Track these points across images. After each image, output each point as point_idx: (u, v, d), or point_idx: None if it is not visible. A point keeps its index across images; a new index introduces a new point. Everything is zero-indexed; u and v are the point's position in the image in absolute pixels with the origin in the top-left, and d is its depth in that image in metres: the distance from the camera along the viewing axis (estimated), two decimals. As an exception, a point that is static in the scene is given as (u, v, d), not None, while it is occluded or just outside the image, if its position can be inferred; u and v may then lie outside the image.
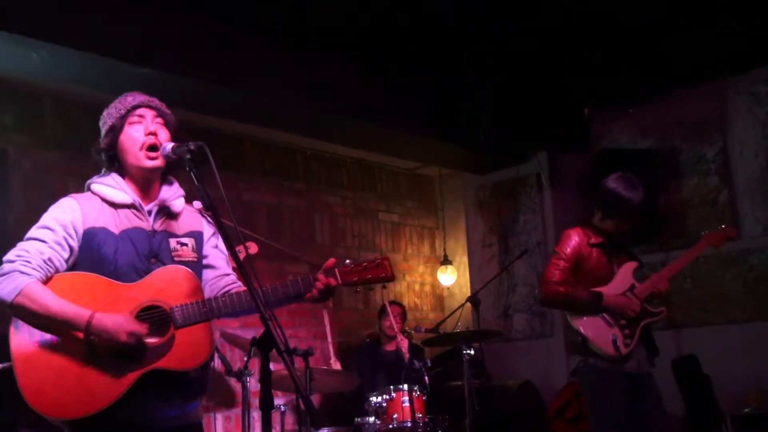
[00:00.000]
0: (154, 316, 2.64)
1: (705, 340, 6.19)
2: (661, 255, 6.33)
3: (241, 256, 2.54)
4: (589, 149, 7.20)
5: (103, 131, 2.82)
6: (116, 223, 2.75)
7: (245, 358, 5.09)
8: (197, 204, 2.65)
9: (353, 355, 6.72)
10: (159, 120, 2.82)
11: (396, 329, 6.39)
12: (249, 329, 5.76)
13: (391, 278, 2.88)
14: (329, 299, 2.84)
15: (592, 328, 4.27)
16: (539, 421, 6.35)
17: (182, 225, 2.88)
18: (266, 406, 2.41)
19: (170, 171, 2.89)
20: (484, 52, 6.12)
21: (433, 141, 6.74)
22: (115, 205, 2.78)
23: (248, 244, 4.47)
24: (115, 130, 2.77)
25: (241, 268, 2.45)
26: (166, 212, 2.85)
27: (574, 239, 4.38)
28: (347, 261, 2.86)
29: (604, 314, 4.28)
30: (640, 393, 4.28)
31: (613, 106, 7.10)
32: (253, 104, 5.67)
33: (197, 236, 2.89)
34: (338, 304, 7.12)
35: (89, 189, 2.85)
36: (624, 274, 4.40)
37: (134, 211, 2.79)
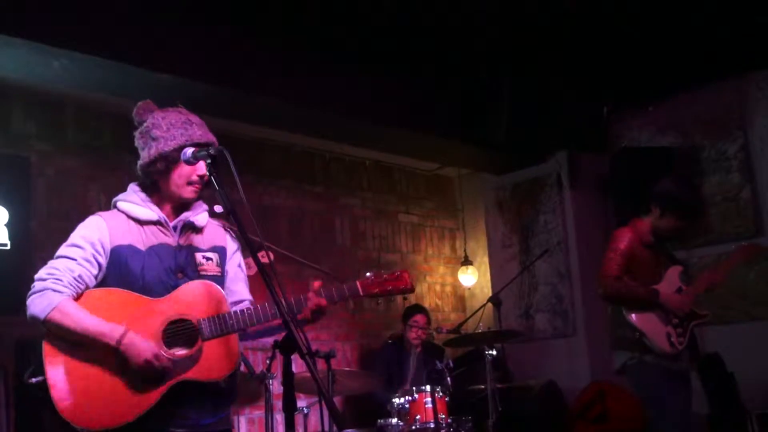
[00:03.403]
0: (182, 329, 2.72)
1: (729, 339, 6.14)
2: (683, 253, 6.28)
3: (264, 260, 2.57)
4: (608, 148, 7.17)
5: (151, 151, 2.82)
6: (143, 239, 2.82)
7: (267, 361, 5.12)
8: (218, 208, 2.67)
9: (376, 356, 6.72)
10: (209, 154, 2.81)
11: (422, 338, 6.44)
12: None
13: (411, 290, 2.99)
14: (320, 319, 2.90)
15: (648, 324, 4.35)
16: (562, 422, 6.32)
17: (206, 239, 2.94)
18: (289, 408, 2.43)
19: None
20: (502, 52, 6.10)
21: (452, 142, 6.73)
22: (141, 222, 2.85)
23: (268, 253, 4.48)
24: (168, 159, 2.80)
25: (263, 272, 2.48)
26: (191, 227, 2.91)
27: (627, 237, 4.47)
28: (368, 274, 2.97)
29: (658, 311, 4.34)
30: (688, 391, 4.41)
31: (632, 104, 7.07)
32: (273, 109, 5.68)
33: (221, 251, 2.96)
34: (360, 306, 7.11)
35: (115, 206, 2.91)
36: (671, 277, 4.51)
37: (160, 227, 2.86)
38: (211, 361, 2.73)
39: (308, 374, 2.44)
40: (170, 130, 2.82)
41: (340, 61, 5.81)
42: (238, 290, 3.00)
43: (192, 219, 2.90)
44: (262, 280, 2.51)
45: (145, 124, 2.89)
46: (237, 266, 3.02)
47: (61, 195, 5.48)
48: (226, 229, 3.02)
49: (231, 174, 2.55)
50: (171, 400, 2.66)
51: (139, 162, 2.88)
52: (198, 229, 2.93)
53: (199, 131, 2.85)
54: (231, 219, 2.61)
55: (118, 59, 4.67)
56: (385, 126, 6.24)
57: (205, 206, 2.97)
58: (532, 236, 7.36)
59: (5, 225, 5.12)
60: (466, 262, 7.87)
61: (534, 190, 7.40)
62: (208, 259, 2.90)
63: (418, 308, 6.73)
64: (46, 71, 4.69)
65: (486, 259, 7.86)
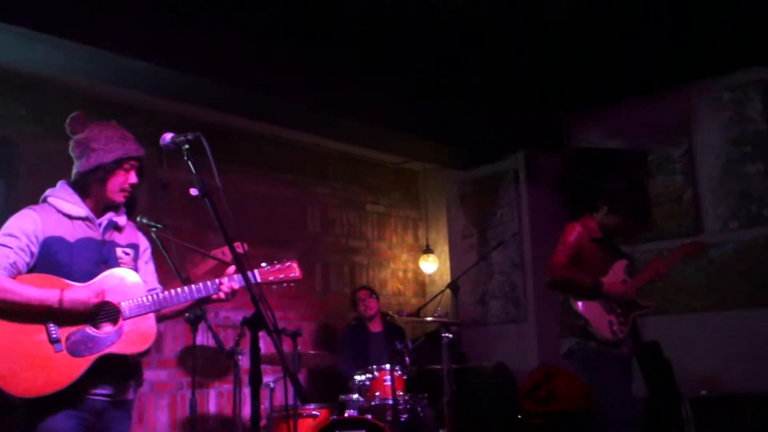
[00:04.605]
0: (106, 310, 2.97)
1: (667, 328, 6.24)
2: (629, 248, 6.36)
3: (239, 251, 2.72)
4: (563, 148, 7.25)
5: (90, 161, 3.07)
6: (71, 232, 3.05)
7: (237, 338, 5.11)
8: (194, 191, 2.69)
9: (341, 336, 6.74)
10: (138, 165, 3.16)
11: (372, 308, 6.49)
12: (241, 311, 5.78)
13: (299, 278, 3.27)
14: (231, 299, 3.19)
15: (592, 312, 4.41)
16: (511, 401, 6.38)
17: (125, 237, 3.22)
18: (255, 382, 2.45)
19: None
20: (467, 54, 6.12)
21: (417, 138, 6.76)
22: (70, 217, 3.08)
23: (243, 244, 4.54)
24: (106, 170, 3.07)
25: (235, 254, 2.55)
26: (114, 226, 3.17)
27: (576, 231, 4.54)
28: (263, 264, 3.24)
29: (601, 301, 4.39)
30: (628, 375, 4.51)
31: (587, 108, 7.15)
32: (246, 99, 5.64)
33: (136, 248, 3.25)
34: (325, 289, 7.14)
35: (45, 201, 3.15)
36: (617, 269, 4.57)
37: (87, 222, 3.10)
38: (131, 338, 2.98)
39: (276, 351, 2.46)
40: (108, 143, 3.08)
41: (310, 54, 5.79)
42: (150, 280, 3.28)
43: (115, 219, 3.17)
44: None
45: (81, 135, 3.14)
46: (145, 262, 3.30)
47: (45, 178, 5.31)
48: (139, 230, 3.34)
49: (207, 160, 2.62)
50: (94, 370, 2.89)
51: (77, 169, 3.12)
52: (119, 228, 3.19)
53: (134, 146, 3.13)
54: (206, 201, 2.64)
55: (96, 45, 4.60)
56: (353, 120, 6.23)
57: (124, 209, 3.22)
58: (490, 228, 7.42)
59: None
60: (428, 250, 7.92)
61: (493, 186, 7.46)
62: (126, 253, 3.16)
63: (360, 287, 6.86)
64: (31, 55, 4.65)
65: (446, 248, 7.92)
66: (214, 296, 3.14)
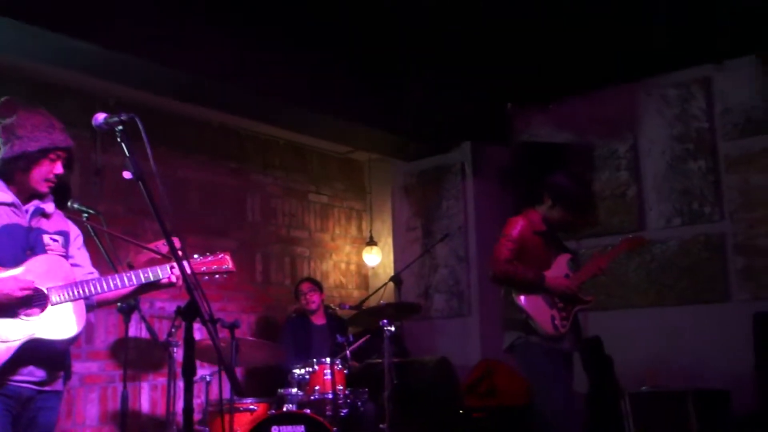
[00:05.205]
0: (34, 295, 2.92)
1: (609, 323, 6.34)
2: (573, 243, 6.45)
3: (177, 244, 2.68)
4: (510, 141, 7.29)
5: (15, 148, 3.00)
6: None
7: (173, 329, 5.02)
8: (127, 174, 2.61)
9: (281, 329, 6.67)
10: (65, 155, 3.11)
11: (315, 302, 6.46)
12: (176, 302, 5.67)
13: (232, 270, 3.30)
14: (179, 286, 3.13)
15: (534, 306, 4.42)
16: (453, 396, 6.42)
17: (53, 224, 3.17)
18: (189, 373, 2.38)
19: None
20: (415, 45, 6.12)
21: (362, 128, 6.72)
22: None
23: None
24: (30, 159, 3.01)
25: (172, 247, 2.58)
26: (41, 213, 3.12)
27: (520, 224, 4.54)
28: (195, 255, 3.28)
29: (544, 295, 4.41)
30: (570, 370, 4.53)
31: (535, 101, 7.20)
32: (189, 83, 5.53)
33: (65, 235, 3.20)
34: (266, 280, 7.06)
35: None
36: (560, 263, 4.59)
37: (14, 209, 3.05)
38: (58, 324, 2.94)
39: (212, 343, 2.41)
40: (34, 131, 3.02)
41: (256, 39, 5.70)
42: (85, 265, 3.26)
43: (42, 206, 3.12)
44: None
45: (8, 120, 3.03)
46: (78, 248, 3.27)
47: None
48: (69, 217, 3.30)
49: (143, 144, 2.54)
50: (20, 356, 2.87)
51: (1, 155, 3.03)
52: (47, 215, 3.15)
53: (61, 136, 3.08)
54: (140, 186, 2.57)
55: (38, 24, 4.46)
56: (298, 108, 6.17)
57: (52, 197, 3.18)
58: (435, 221, 7.43)
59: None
60: (371, 242, 7.90)
61: (439, 177, 7.47)
62: (54, 240, 3.12)
63: (303, 279, 6.82)
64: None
65: (390, 241, 7.91)
66: (165, 280, 3.13)
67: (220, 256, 3.30)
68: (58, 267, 3.04)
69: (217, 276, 3.28)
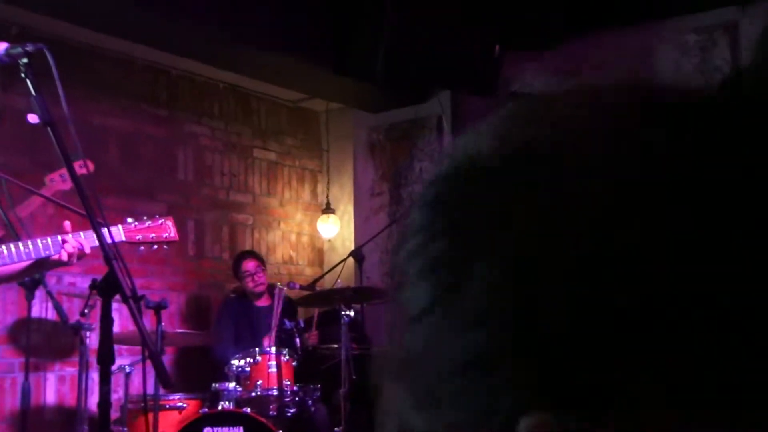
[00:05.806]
0: None
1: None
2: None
3: (81, 171, 2.59)
4: (497, 92, 7.31)
5: None
6: None
7: (86, 310, 4.99)
8: (33, 118, 2.59)
9: (218, 311, 6.67)
10: None
11: (263, 283, 6.43)
12: (90, 276, 5.64)
13: (174, 240, 3.31)
14: (75, 263, 3.09)
15: None
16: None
17: None
18: (105, 360, 2.38)
19: None
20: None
21: (322, 70, 6.69)
22: None
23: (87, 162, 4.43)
24: None
25: (80, 189, 2.47)
26: None
27: None
28: (129, 219, 3.19)
29: None
30: None
31: (528, 46, 7.21)
32: (109, 10, 5.49)
33: None
34: (199, 253, 7.05)
35: None
36: None
37: None
38: None
39: (134, 328, 2.41)
40: None
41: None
42: None
43: None
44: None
45: None
46: None
47: None
48: None
49: (53, 81, 2.53)
50: None
51: None
52: None
53: None
54: (48, 132, 2.55)
55: None
56: (244, 44, 6.13)
57: None
58: (405, 185, 7.46)
59: None
60: (328, 209, 7.90)
61: (411, 133, 7.48)
62: None
63: (245, 255, 6.71)
64: None
65: (350, 208, 7.93)
66: (54, 257, 2.98)
67: (160, 222, 3.23)
68: None
69: (155, 246, 3.22)
